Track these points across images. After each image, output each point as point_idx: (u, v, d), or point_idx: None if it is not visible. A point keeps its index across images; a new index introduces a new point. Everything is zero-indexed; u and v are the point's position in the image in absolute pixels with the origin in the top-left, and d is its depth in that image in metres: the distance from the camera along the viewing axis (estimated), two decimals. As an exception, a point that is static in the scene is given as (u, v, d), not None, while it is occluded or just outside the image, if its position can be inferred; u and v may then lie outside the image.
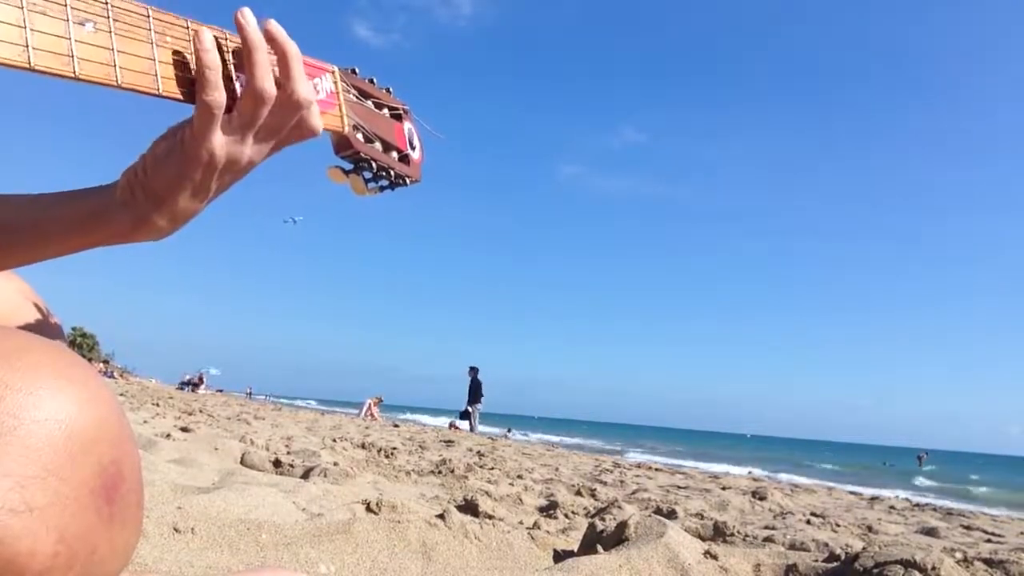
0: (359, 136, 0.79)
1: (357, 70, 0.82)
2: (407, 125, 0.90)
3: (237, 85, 0.64)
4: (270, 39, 0.66)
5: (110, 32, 0.55)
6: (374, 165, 0.82)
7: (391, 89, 0.88)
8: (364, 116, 0.81)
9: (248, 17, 0.64)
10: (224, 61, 0.63)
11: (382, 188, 0.87)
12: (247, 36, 0.64)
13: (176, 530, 1.42)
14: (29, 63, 0.50)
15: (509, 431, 20.29)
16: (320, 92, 0.72)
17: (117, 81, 0.55)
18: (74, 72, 0.52)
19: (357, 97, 0.81)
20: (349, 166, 0.82)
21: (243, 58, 0.64)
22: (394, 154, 0.86)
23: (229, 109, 0.64)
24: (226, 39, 0.65)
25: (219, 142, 0.63)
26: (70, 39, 0.52)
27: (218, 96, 0.61)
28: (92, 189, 0.70)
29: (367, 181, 0.84)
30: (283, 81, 0.65)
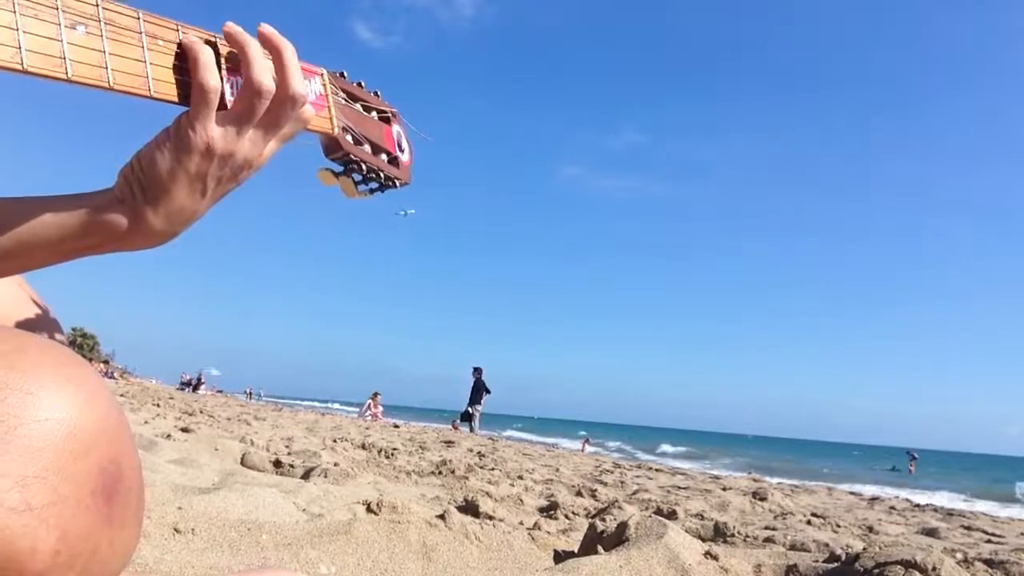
0: (348, 138, 0.79)
1: (346, 73, 0.82)
2: (395, 128, 0.90)
3: (227, 87, 0.64)
4: (263, 39, 0.67)
5: (101, 35, 0.56)
6: (364, 167, 0.82)
7: (379, 92, 0.88)
8: (353, 118, 0.81)
9: (231, 25, 0.67)
10: (217, 64, 0.64)
11: (372, 190, 0.87)
12: (234, 34, 0.66)
13: (177, 531, 1.42)
14: (22, 65, 0.51)
15: (587, 439, 19.72)
16: (309, 94, 0.72)
17: (109, 83, 0.56)
18: (66, 74, 0.53)
19: (346, 100, 0.81)
20: (339, 168, 0.82)
21: (238, 57, 0.65)
22: (383, 156, 0.86)
23: (223, 107, 0.64)
24: (216, 42, 0.65)
25: (215, 132, 0.63)
26: (62, 42, 0.53)
27: (212, 78, 0.62)
28: (84, 193, 0.68)
29: (357, 183, 0.84)
30: (279, 77, 0.66)
